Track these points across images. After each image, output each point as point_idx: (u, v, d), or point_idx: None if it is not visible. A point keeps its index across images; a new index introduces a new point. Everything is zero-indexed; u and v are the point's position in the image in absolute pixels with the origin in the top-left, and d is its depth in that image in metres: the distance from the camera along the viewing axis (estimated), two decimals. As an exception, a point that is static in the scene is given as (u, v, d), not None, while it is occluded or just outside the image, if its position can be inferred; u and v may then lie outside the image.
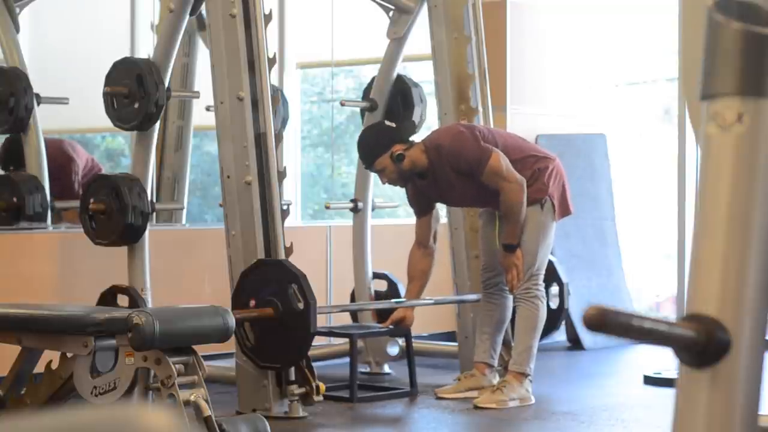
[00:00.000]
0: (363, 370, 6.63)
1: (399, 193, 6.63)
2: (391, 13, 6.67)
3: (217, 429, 4.18)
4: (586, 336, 7.91)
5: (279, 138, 5.65)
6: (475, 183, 5.79)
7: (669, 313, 9.04)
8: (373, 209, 6.88)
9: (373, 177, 6.71)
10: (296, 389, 5.44)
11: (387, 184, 6.05)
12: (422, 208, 6.06)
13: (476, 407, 5.73)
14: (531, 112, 8.25)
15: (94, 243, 5.72)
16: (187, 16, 5.82)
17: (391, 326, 6.16)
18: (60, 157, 7.34)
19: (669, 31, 7.72)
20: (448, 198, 6.03)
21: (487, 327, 6.02)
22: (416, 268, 6.09)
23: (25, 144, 6.79)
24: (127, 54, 7.11)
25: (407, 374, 6.16)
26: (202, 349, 4.44)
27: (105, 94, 5.76)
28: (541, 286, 5.93)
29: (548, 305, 6.67)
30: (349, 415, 5.71)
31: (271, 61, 5.61)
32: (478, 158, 5.74)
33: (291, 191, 8.53)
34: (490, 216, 6.03)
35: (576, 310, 7.40)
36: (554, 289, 6.66)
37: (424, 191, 5.98)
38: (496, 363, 6.05)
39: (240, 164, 5.56)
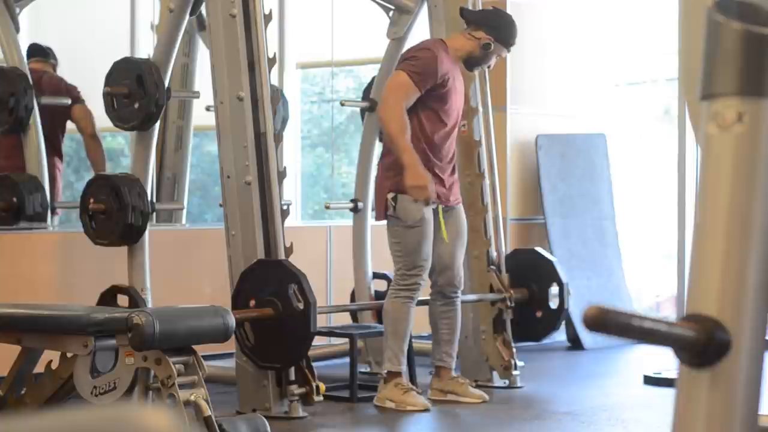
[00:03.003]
0: (363, 370, 6.63)
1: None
2: (391, 13, 6.67)
3: (217, 429, 4.18)
4: (586, 336, 7.90)
5: (279, 138, 5.65)
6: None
7: (669, 313, 9.04)
8: (373, 209, 6.87)
9: (373, 177, 6.70)
10: (296, 389, 5.44)
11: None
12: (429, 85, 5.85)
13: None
14: (531, 112, 8.25)
15: (94, 243, 5.72)
16: (187, 16, 5.82)
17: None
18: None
19: (669, 31, 7.72)
20: (455, 96, 5.92)
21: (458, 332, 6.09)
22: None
23: (25, 144, 6.78)
24: (127, 54, 7.11)
25: (407, 374, 6.15)
26: (202, 349, 4.44)
27: (105, 94, 5.76)
28: None
29: (548, 305, 6.68)
30: (349, 415, 5.71)
31: (271, 61, 5.61)
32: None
33: (291, 191, 8.52)
34: (432, 216, 5.88)
35: (576, 310, 7.40)
36: (554, 289, 6.66)
37: (451, 78, 5.87)
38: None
39: (240, 164, 5.55)
